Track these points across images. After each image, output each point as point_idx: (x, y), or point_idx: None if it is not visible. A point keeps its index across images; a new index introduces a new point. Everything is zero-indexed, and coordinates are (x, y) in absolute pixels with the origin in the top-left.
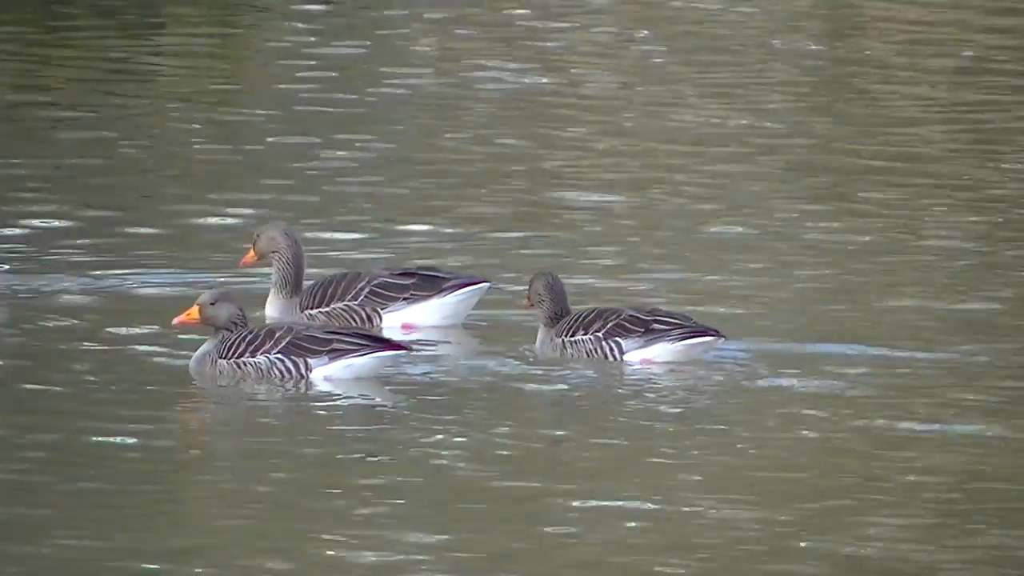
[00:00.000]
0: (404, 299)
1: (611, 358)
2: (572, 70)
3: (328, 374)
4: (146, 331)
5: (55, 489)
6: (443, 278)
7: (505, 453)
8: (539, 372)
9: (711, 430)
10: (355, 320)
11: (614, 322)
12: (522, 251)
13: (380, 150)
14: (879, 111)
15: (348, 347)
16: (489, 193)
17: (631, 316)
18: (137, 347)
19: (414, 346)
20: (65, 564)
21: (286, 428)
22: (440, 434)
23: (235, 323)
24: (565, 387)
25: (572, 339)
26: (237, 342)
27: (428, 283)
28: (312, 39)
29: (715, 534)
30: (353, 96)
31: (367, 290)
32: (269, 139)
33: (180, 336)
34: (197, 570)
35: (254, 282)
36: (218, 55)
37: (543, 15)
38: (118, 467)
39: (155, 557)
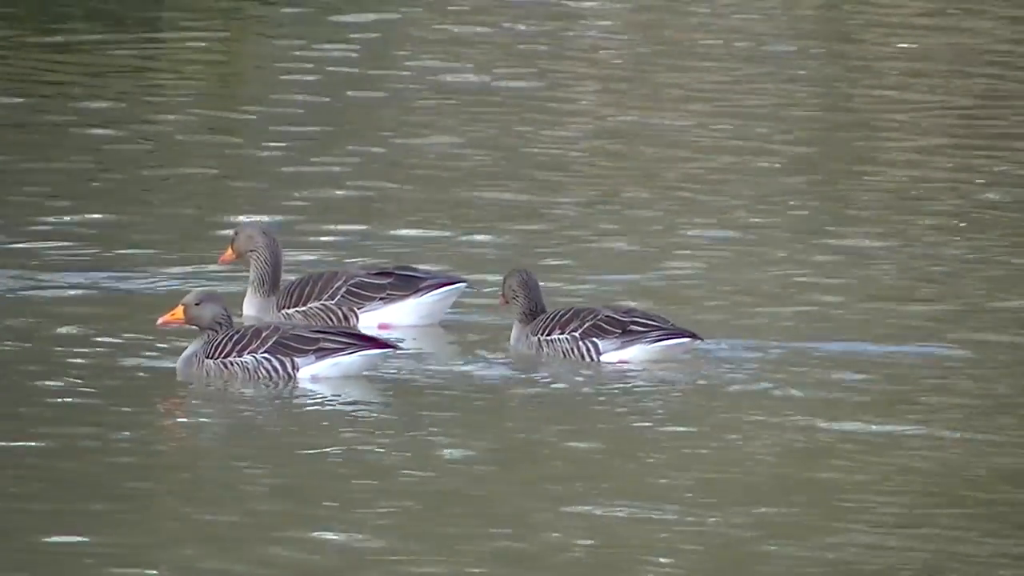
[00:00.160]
0: (381, 299)
1: (588, 359)
2: (559, 72)
3: (315, 373)
4: (135, 330)
5: (43, 488)
6: (419, 278)
7: (487, 455)
8: (519, 374)
9: (689, 433)
10: (332, 320)
11: (591, 322)
12: (503, 251)
13: (372, 152)
14: (872, 116)
15: (335, 346)
16: (476, 193)
17: (608, 317)
18: (124, 347)
19: (400, 345)
20: (56, 563)
21: (272, 428)
22: (423, 435)
23: (219, 323)
24: (544, 389)
25: (548, 338)
26: (224, 342)
27: (405, 283)
28: (308, 41)
29: (696, 537)
30: (347, 97)
31: (344, 289)
32: (264, 140)
33: (173, 338)
34: (183, 569)
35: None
36: (216, 59)
37: (532, 18)
38: (105, 467)
39: (143, 558)
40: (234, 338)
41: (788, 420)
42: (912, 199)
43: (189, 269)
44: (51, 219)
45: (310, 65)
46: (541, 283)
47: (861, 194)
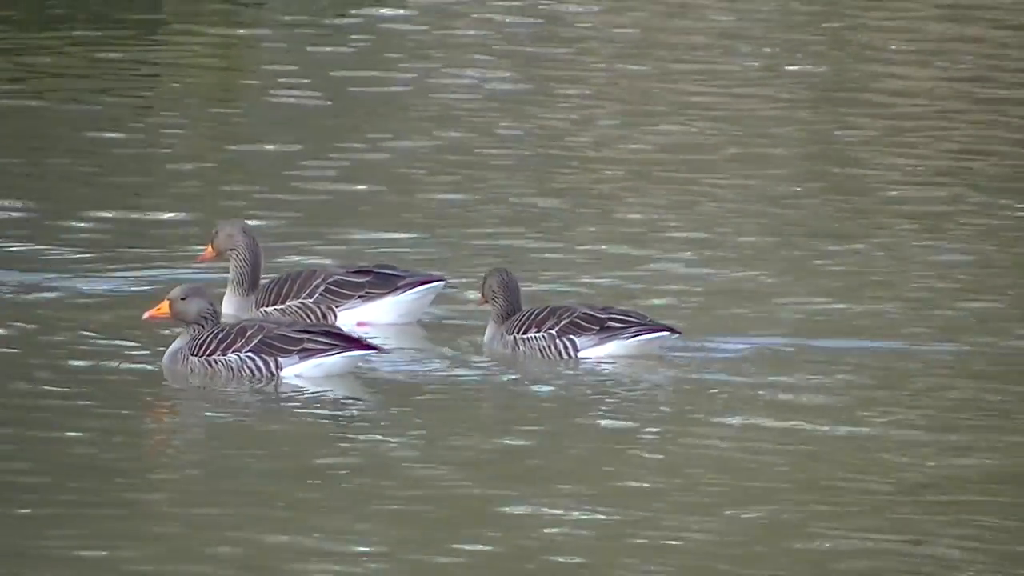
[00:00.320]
0: (359, 297)
1: (565, 356)
2: (552, 73)
3: (298, 373)
4: (121, 327)
5: (27, 488)
6: (398, 276)
7: (468, 456)
8: (499, 373)
9: (671, 432)
10: (310, 318)
11: (568, 320)
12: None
13: (369, 153)
14: (867, 119)
15: (318, 346)
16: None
17: (585, 314)
18: (110, 342)
19: (383, 347)
20: (41, 564)
21: (254, 429)
22: (404, 437)
23: (205, 318)
24: (525, 388)
25: (524, 336)
26: (208, 339)
27: (383, 281)
28: (303, 42)
29: (679, 539)
30: (344, 98)
31: (322, 288)
32: (258, 142)
33: (162, 332)
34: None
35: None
36: (214, 62)
37: (522, 17)
38: (89, 465)
39: (127, 558)
40: (219, 336)
41: (772, 420)
42: (908, 199)
43: (179, 269)
44: (46, 220)
45: (308, 65)
46: (535, 284)
47: (854, 196)
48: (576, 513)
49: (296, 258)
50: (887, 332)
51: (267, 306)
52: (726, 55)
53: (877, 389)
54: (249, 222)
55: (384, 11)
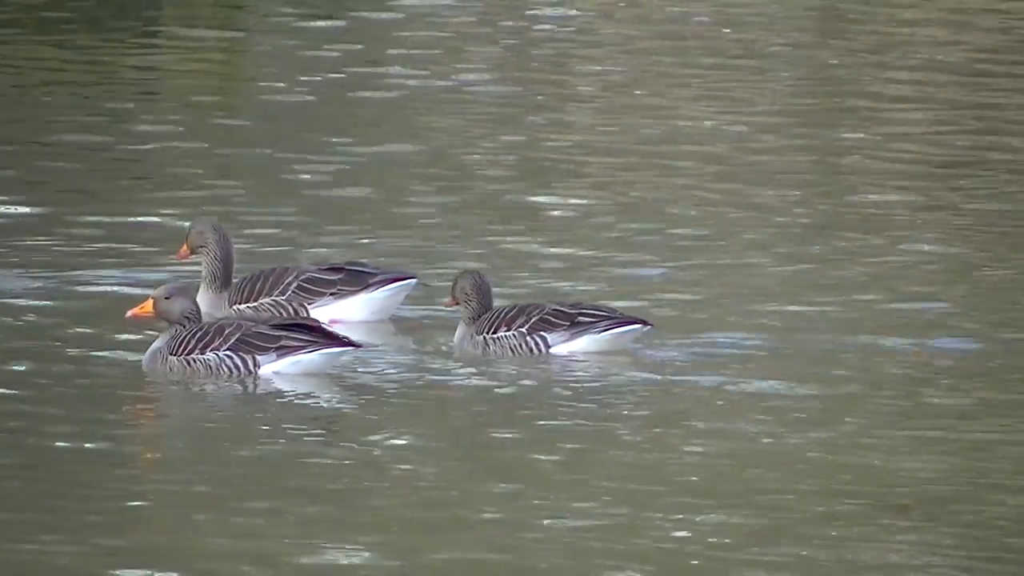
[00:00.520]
0: (331, 294)
1: (536, 352)
2: (544, 73)
3: (276, 370)
4: (105, 325)
5: (9, 490)
6: (370, 273)
7: (448, 456)
8: (474, 372)
9: (647, 432)
10: (283, 316)
11: (538, 317)
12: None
13: (356, 154)
14: (867, 113)
15: (296, 344)
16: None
17: (555, 310)
18: (91, 342)
19: (362, 343)
20: (25, 567)
21: (231, 428)
22: (384, 436)
23: (188, 318)
24: (500, 387)
25: (494, 336)
26: (187, 339)
27: (355, 278)
28: (302, 44)
29: (660, 540)
30: (341, 99)
31: (294, 285)
32: (254, 144)
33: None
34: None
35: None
36: (212, 61)
37: (525, 18)
38: (70, 466)
39: (109, 559)
40: (197, 335)
41: (749, 421)
42: (902, 201)
43: (167, 269)
44: (40, 220)
45: (303, 67)
46: (515, 286)
47: (846, 196)
48: (553, 514)
49: (293, 259)
50: (869, 331)
51: (240, 303)
52: (714, 55)
53: (858, 390)
54: (244, 223)
55: (379, 15)
